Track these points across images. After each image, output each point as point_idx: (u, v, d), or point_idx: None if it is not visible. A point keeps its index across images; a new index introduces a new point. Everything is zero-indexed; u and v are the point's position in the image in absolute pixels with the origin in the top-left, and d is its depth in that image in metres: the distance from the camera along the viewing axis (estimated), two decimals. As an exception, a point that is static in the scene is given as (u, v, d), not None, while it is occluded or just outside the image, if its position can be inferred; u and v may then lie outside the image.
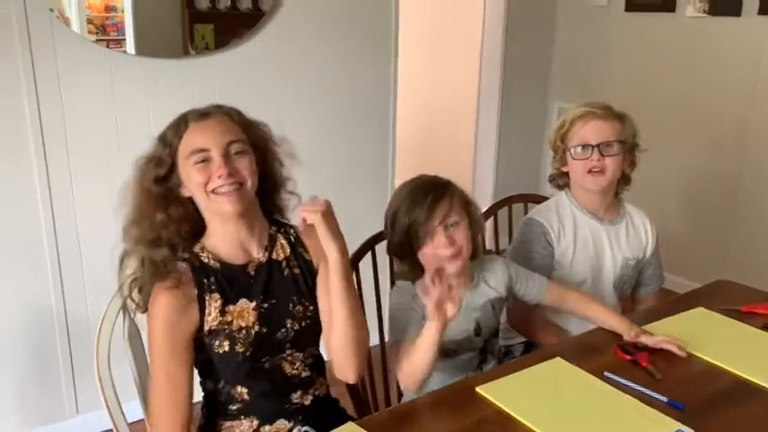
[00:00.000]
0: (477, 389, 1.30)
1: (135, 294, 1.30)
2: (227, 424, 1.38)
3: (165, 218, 1.29)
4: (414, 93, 5.29)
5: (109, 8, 2.25)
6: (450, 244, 1.44)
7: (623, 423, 1.21)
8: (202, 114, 1.31)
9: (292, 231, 1.42)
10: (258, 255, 1.36)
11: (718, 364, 1.41)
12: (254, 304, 1.33)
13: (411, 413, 1.25)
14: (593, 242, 1.82)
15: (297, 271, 1.39)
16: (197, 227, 1.35)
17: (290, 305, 1.37)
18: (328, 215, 1.27)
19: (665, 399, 1.27)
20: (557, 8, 4.03)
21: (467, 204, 1.51)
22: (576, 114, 1.77)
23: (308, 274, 1.40)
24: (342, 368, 1.34)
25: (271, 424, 1.37)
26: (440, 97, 5.22)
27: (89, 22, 2.20)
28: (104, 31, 2.24)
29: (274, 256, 1.38)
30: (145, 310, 1.31)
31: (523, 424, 1.19)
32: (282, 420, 1.37)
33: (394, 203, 1.50)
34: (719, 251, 3.46)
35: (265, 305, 1.34)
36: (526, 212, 2.00)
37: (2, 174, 2.08)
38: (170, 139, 1.30)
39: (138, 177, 1.31)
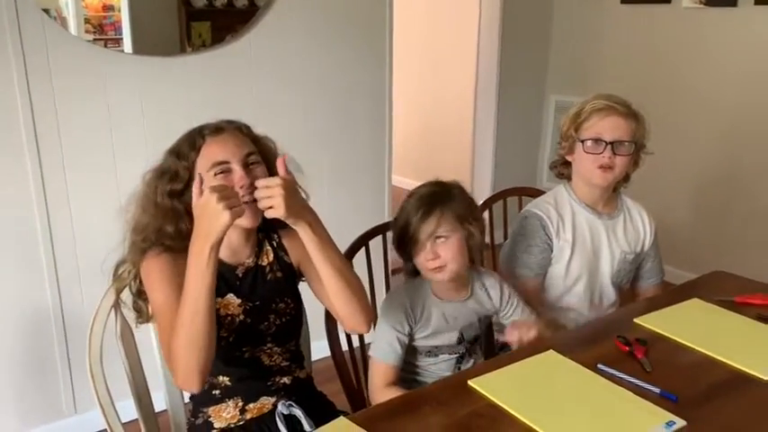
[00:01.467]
0: (470, 382, 1.29)
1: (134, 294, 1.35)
2: (214, 408, 1.42)
3: (173, 231, 1.31)
4: (411, 89, 5.29)
5: (106, 7, 2.25)
6: (434, 257, 1.46)
7: (616, 414, 1.21)
8: (217, 129, 1.34)
9: (275, 237, 1.48)
10: (248, 260, 1.42)
11: (713, 355, 1.41)
12: (239, 301, 1.40)
13: (403, 407, 1.24)
14: (590, 236, 1.81)
15: (279, 274, 1.46)
16: None
17: (273, 304, 1.44)
18: (289, 199, 1.20)
19: (657, 390, 1.27)
20: (553, 1, 4.01)
21: (463, 218, 1.48)
22: (595, 107, 1.73)
23: (290, 275, 1.47)
24: (352, 319, 1.36)
25: (255, 402, 1.42)
26: (437, 92, 5.21)
27: (86, 21, 2.20)
28: (102, 31, 2.24)
29: (261, 261, 1.44)
30: (147, 320, 1.37)
31: (515, 417, 1.19)
32: (266, 397, 1.43)
33: (401, 206, 1.52)
34: (716, 243, 3.45)
35: (250, 304, 1.40)
36: (521, 206, 1.99)
37: (-3, 173, 2.08)
38: (186, 153, 1.32)
39: (149, 191, 1.34)
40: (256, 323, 1.41)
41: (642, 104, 1.79)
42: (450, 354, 1.56)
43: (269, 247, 1.46)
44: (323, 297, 1.41)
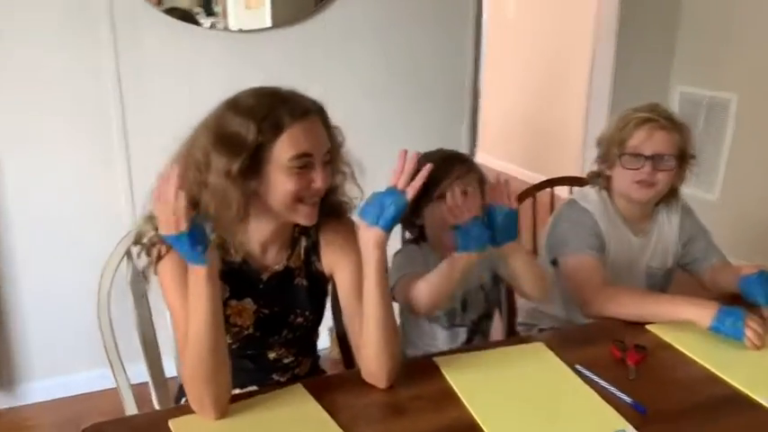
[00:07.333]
0: (435, 359, 1.30)
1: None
2: None
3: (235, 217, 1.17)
4: (518, 74, 5.11)
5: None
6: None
7: (567, 416, 1.16)
8: (304, 111, 1.16)
9: (312, 234, 1.32)
10: (277, 265, 1.30)
11: (714, 370, 1.28)
12: (255, 307, 1.29)
13: (353, 380, 1.24)
14: (621, 253, 1.70)
15: (305, 283, 1.32)
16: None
17: (291, 316, 1.33)
18: None
19: (629, 400, 1.18)
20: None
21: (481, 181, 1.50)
22: (637, 119, 1.63)
23: (317, 286, 1.34)
24: (374, 375, 1.22)
25: (242, 388, 1.28)
26: (546, 76, 4.96)
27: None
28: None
29: (291, 263, 1.31)
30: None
31: (461, 402, 1.16)
32: (253, 387, 1.30)
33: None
34: None
35: (266, 311, 1.30)
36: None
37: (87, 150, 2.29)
38: (264, 127, 1.13)
39: (198, 157, 1.15)
40: (266, 336, 1.32)
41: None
42: (457, 326, 1.58)
43: (302, 248, 1.32)
44: (353, 338, 1.29)
